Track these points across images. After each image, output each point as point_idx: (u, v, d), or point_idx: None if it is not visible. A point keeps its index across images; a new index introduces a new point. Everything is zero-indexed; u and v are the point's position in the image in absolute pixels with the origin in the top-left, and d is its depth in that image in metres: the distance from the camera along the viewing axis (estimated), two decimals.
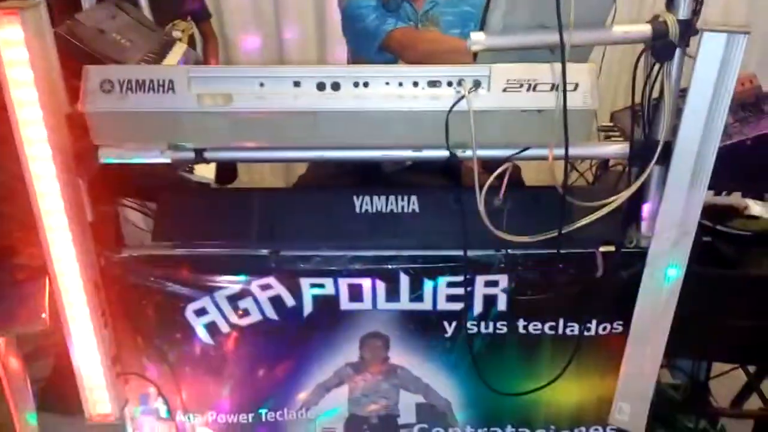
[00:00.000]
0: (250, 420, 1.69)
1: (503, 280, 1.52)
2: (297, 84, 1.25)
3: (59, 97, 1.30)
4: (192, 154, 1.36)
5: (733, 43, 1.22)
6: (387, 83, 1.26)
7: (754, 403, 1.87)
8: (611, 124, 1.80)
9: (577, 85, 1.24)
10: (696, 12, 1.25)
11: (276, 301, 1.55)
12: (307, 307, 1.56)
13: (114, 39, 1.57)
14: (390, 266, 1.51)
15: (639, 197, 1.43)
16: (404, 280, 1.53)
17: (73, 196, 1.38)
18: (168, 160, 1.38)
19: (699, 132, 1.28)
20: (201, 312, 1.56)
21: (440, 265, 1.51)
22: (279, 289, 1.54)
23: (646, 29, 1.25)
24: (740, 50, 1.22)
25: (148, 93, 1.23)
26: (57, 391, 2.17)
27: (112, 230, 1.59)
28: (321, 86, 1.25)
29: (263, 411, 1.69)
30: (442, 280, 1.52)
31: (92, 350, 1.52)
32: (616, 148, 1.40)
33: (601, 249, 1.48)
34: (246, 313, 1.57)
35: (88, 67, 1.25)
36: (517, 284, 1.52)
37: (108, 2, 1.86)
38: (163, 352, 1.62)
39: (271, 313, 1.57)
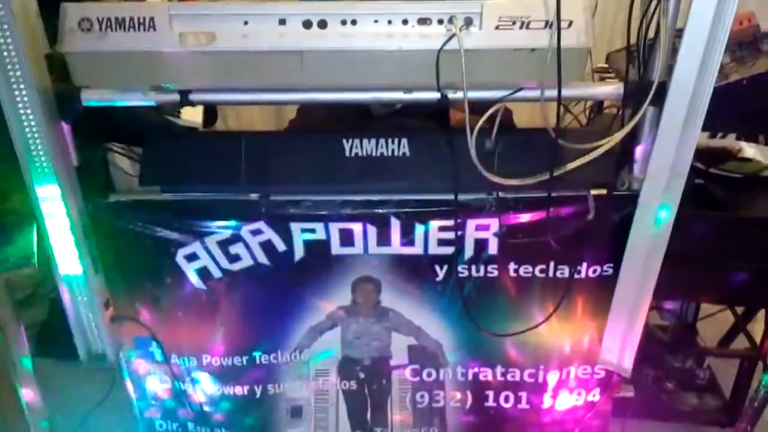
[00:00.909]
0: (245, 363, 1.72)
1: (494, 223, 1.51)
2: (282, 22, 1.21)
3: (38, 36, 1.26)
4: (177, 97, 1.33)
5: None
6: (376, 21, 1.23)
7: (741, 343, 1.90)
8: (606, 65, 1.76)
9: (571, 22, 1.20)
10: None
11: (267, 246, 1.55)
12: (299, 252, 1.56)
13: None
14: (381, 210, 1.51)
15: (632, 139, 1.42)
16: (395, 225, 1.52)
17: (57, 140, 1.36)
18: (152, 103, 1.35)
19: (694, 72, 1.26)
20: (192, 257, 1.56)
21: (431, 209, 1.50)
22: (270, 234, 1.53)
23: None
24: None
25: (128, 32, 1.19)
26: (53, 337, 2.21)
27: (100, 176, 1.58)
28: (307, 24, 1.21)
29: (257, 354, 1.71)
30: (434, 224, 1.52)
31: (84, 295, 1.52)
32: (610, 89, 1.38)
33: (593, 192, 1.47)
34: (237, 258, 1.56)
35: (65, 5, 1.21)
36: (508, 228, 1.51)
37: None
38: (155, 297, 1.63)
39: (263, 258, 1.56)
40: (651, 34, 1.31)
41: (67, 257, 1.46)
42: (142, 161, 1.51)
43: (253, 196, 1.49)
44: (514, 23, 1.21)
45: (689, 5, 1.23)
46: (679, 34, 1.28)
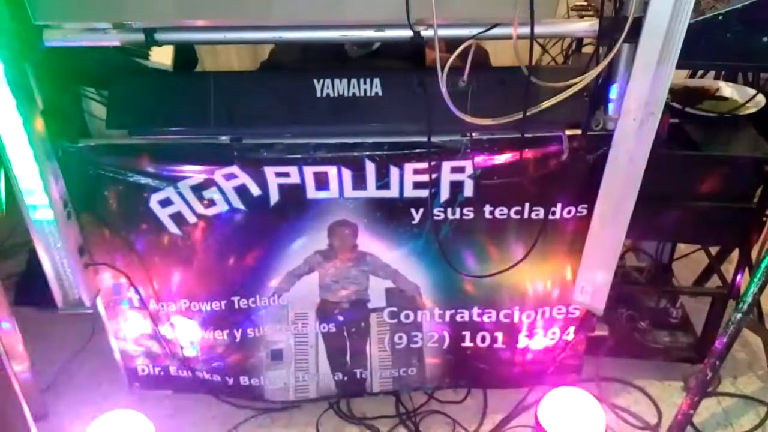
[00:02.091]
0: (223, 307, 1.73)
1: (469, 165, 1.50)
2: None
3: None
4: (141, 35, 1.29)
5: None
6: None
7: (715, 283, 1.94)
8: (585, 2, 1.73)
9: None
10: None
11: (242, 191, 1.54)
12: (274, 196, 1.55)
13: None
14: (355, 153, 1.49)
15: (608, 78, 1.41)
16: (370, 168, 1.51)
17: (19, 82, 1.32)
18: (116, 43, 1.31)
19: (669, 7, 1.23)
20: (166, 202, 1.55)
21: (406, 151, 1.49)
22: (243, 178, 1.52)
23: None
24: None
25: None
26: (31, 285, 2.21)
27: (72, 120, 1.54)
28: None
29: (235, 298, 1.72)
30: (408, 167, 1.51)
31: (57, 241, 1.51)
32: (585, 26, 1.35)
33: (567, 132, 1.46)
34: (212, 203, 1.55)
35: None
36: (483, 169, 1.51)
37: None
38: (130, 243, 1.62)
39: (237, 203, 1.56)
40: None
41: (37, 202, 1.44)
42: (108, 103, 1.48)
43: (224, 138, 1.47)
44: None
45: None
46: None
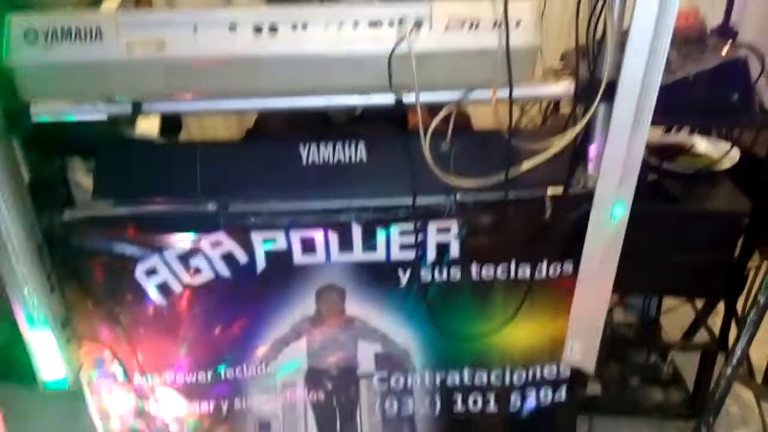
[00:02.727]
0: (209, 378, 1.69)
1: (454, 226, 1.52)
2: (233, 27, 1.21)
3: None
4: (128, 108, 1.31)
5: None
6: (326, 25, 1.23)
7: (703, 336, 1.94)
8: (561, 66, 1.79)
9: (519, 21, 1.22)
10: None
11: (228, 258, 1.53)
12: (260, 263, 1.54)
13: None
14: (341, 217, 1.50)
15: (585, 138, 1.44)
16: (356, 231, 1.52)
17: (7, 156, 1.33)
18: (104, 116, 1.33)
19: (641, 69, 1.28)
20: (151, 272, 1.53)
21: (391, 213, 1.50)
22: (230, 245, 1.51)
23: None
24: None
25: (74, 42, 1.17)
26: (12, 360, 2.14)
27: (57, 192, 1.54)
28: (258, 29, 1.21)
29: (222, 368, 1.69)
30: (395, 229, 1.52)
31: (40, 315, 1.48)
32: (561, 88, 1.40)
33: (550, 191, 1.49)
34: (198, 271, 1.54)
35: (10, 17, 1.18)
36: (468, 229, 1.52)
37: None
38: (115, 315, 1.59)
39: (224, 271, 1.55)
40: (600, 32, 1.34)
41: (21, 276, 1.42)
42: (95, 174, 1.48)
43: (211, 206, 1.47)
44: (463, 24, 1.22)
45: (634, 3, 1.26)
46: (626, 32, 1.31)
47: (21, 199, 1.37)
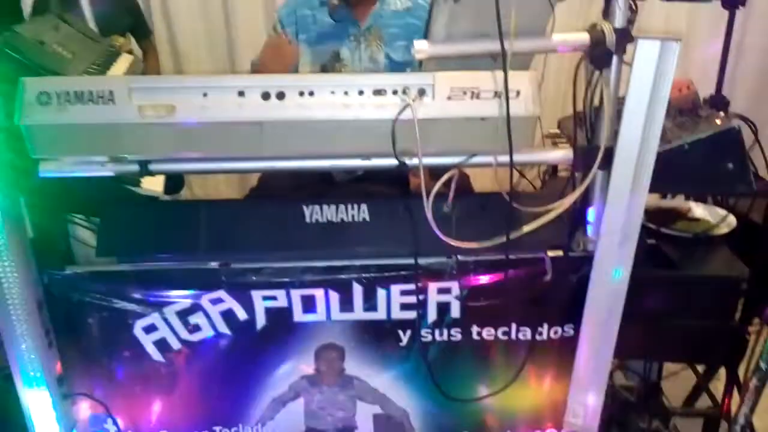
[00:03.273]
0: None
1: (455, 286, 1.52)
2: (241, 94, 1.24)
3: None
4: (136, 167, 1.34)
5: (667, 50, 1.26)
6: (332, 92, 1.26)
7: (705, 401, 1.92)
8: (558, 131, 1.83)
9: (519, 92, 1.26)
10: (631, 21, 1.29)
11: (228, 315, 1.53)
12: (260, 321, 1.54)
13: (55, 51, 1.53)
14: (342, 276, 1.51)
15: (584, 202, 1.47)
16: (357, 290, 1.52)
17: (12, 212, 1.35)
18: (110, 174, 1.35)
19: (638, 137, 1.32)
20: (150, 329, 1.53)
21: (392, 273, 1.51)
22: (230, 302, 1.51)
23: (583, 37, 1.29)
24: (674, 57, 1.27)
25: (87, 104, 1.20)
26: (5, 416, 2.10)
27: (59, 247, 1.56)
28: (266, 96, 1.24)
29: (217, 428, 1.66)
30: (395, 289, 1.52)
31: (37, 372, 1.47)
32: (560, 154, 1.43)
33: (550, 253, 1.50)
34: (197, 328, 1.54)
35: (24, 80, 1.22)
36: (469, 291, 1.53)
37: (50, 14, 1.82)
38: (111, 371, 1.58)
39: (223, 328, 1.54)
40: (597, 101, 1.38)
41: (20, 331, 1.42)
42: (99, 232, 1.50)
43: (213, 264, 1.48)
44: (465, 93, 1.26)
45: (629, 75, 1.30)
46: (622, 101, 1.35)
47: (24, 255, 1.37)
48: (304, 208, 1.49)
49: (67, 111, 1.20)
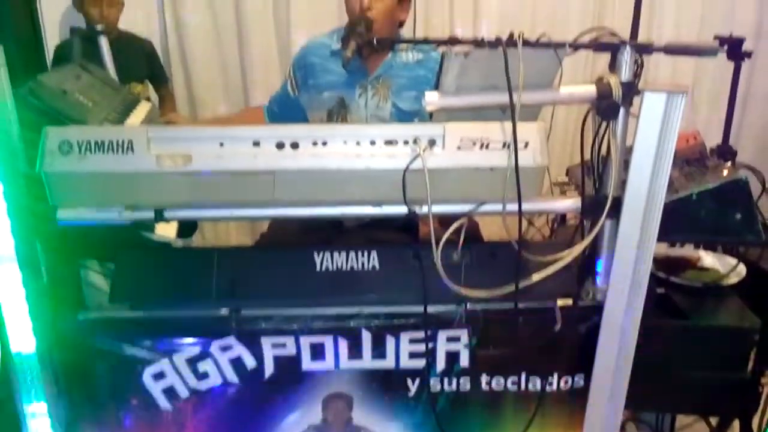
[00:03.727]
0: None
1: (464, 335, 1.52)
2: (256, 144, 1.27)
3: (17, 157, 1.31)
4: (151, 214, 1.36)
5: (673, 102, 1.28)
6: (345, 142, 1.29)
7: None
8: (567, 179, 1.86)
9: (527, 143, 1.28)
10: (637, 74, 1.32)
11: (236, 363, 1.52)
12: (269, 369, 1.54)
13: (76, 99, 1.58)
14: (351, 323, 1.51)
15: (593, 251, 1.47)
16: (366, 338, 1.52)
17: (28, 258, 1.37)
18: (127, 221, 1.37)
19: (645, 187, 1.33)
20: (159, 376, 1.53)
21: (401, 321, 1.51)
22: (240, 349, 1.51)
23: (591, 90, 1.32)
24: (680, 109, 1.29)
25: (107, 154, 1.23)
26: None
27: (70, 292, 1.57)
28: (280, 145, 1.28)
29: None
30: (404, 337, 1.52)
31: (44, 418, 1.46)
32: (569, 203, 1.45)
33: (559, 302, 1.50)
34: (205, 376, 1.53)
35: (47, 129, 1.26)
36: (478, 339, 1.52)
37: (73, 63, 1.89)
38: (119, 419, 1.57)
39: (232, 376, 1.54)
40: (604, 150, 1.40)
41: (29, 378, 1.42)
42: (113, 279, 1.51)
43: (224, 311, 1.49)
44: (474, 144, 1.29)
45: (636, 126, 1.33)
46: (630, 150, 1.37)
47: (38, 302, 1.39)
48: (315, 255, 1.50)
49: (87, 160, 1.24)
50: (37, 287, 1.40)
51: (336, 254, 1.50)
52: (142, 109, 1.93)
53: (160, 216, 1.36)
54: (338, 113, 2.11)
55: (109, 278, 1.61)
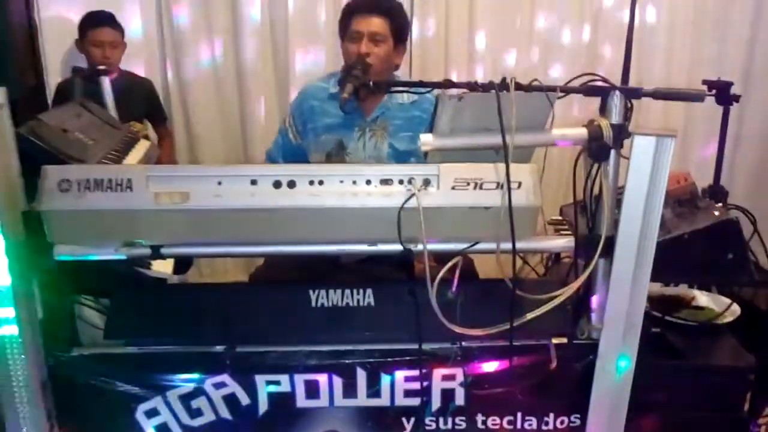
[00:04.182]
0: None
1: (460, 373, 1.52)
2: (254, 182, 1.29)
3: (16, 194, 1.32)
4: (148, 251, 1.37)
5: (663, 145, 1.31)
6: (341, 181, 1.32)
7: None
8: (560, 217, 1.87)
9: (520, 183, 1.30)
10: (627, 117, 1.36)
11: (230, 400, 1.51)
12: (263, 406, 1.53)
13: (76, 138, 1.60)
14: (346, 361, 1.51)
15: (587, 289, 1.48)
16: (361, 375, 1.51)
17: (25, 293, 1.37)
18: (123, 257, 1.38)
19: (637, 227, 1.35)
20: (152, 413, 1.51)
21: (397, 358, 1.51)
22: (233, 386, 1.51)
23: (582, 132, 1.35)
24: (670, 152, 1.32)
25: (105, 192, 1.25)
26: None
27: (65, 328, 1.57)
28: (277, 184, 1.30)
29: None
30: (399, 374, 1.51)
31: None
32: (562, 243, 1.46)
33: (554, 341, 1.50)
34: (198, 413, 1.52)
35: (46, 167, 1.28)
36: (474, 377, 1.52)
37: (74, 102, 1.92)
38: None
39: (225, 413, 1.52)
40: (597, 189, 1.42)
41: (23, 413, 1.41)
42: (108, 315, 1.51)
43: (218, 348, 1.49)
44: (468, 184, 1.31)
45: (628, 167, 1.35)
46: (622, 189, 1.39)
47: (33, 337, 1.39)
48: (310, 292, 1.51)
49: (86, 198, 1.25)
50: (33, 325, 1.40)
51: (331, 291, 1.51)
52: (141, 147, 1.96)
53: (156, 253, 1.37)
54: (337, 155, 2.14)
55: (103, 314, 1.61)
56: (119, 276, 1.64)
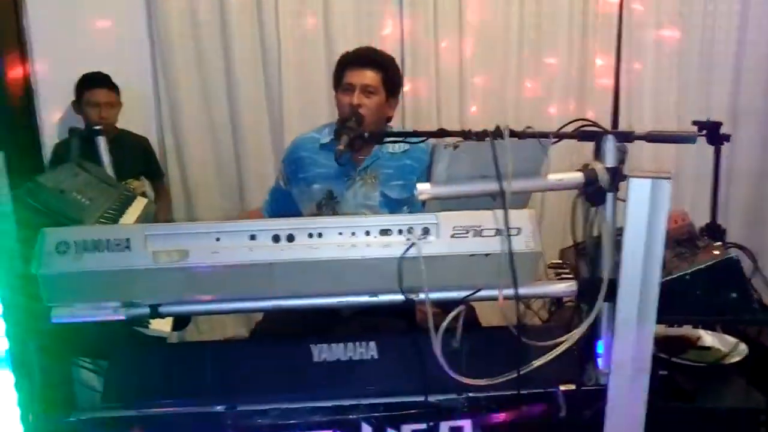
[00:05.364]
0: None
1: (468, 425, 1.48)
2: (253, 237, 1.29)
3: (14, 258, 1.31)
4: (147, 310, 1.35)
5: (659, 187, 1.32)
6: (340, 233, 1.31)
7: None
8: (560, 261, 1.87)
9: (519, 229, 1.30)
10: (621, 160, 1.37)
11: None
12: None
13: (74, 198, 1.60)
14: (351, 416, 1.47)
15: (593, 332, 1.47)
16: (366, 431, 1.48)
17: (22, 358, 1.34)
18: (122, 317, 1.36)
19: (639, 270, 1.35)
20: None
21: (402, 411, 1.47)
22: None
23: (577, 177, 1.36)
24: (666, 193, 1.32)
25: (103, 252, 1.24)
26: None
27: (63, 391, 1.53)
28: (276, 238, 1.29)
29: None
30: (406, 429, 1.48)
31: None
32: (564, 287, 1.45)
33: (562, 388, 1.48)
34: None
35: (44, 230, 1.27)
36: (482, 429, 1.49)
37: (71, 162, 1.93)
38: None
39: None
40: (596, 232, 1.42)
41: None
42: (106, 379, 1.49)
43: (219, 407, 1.45)
44: (467, 232, 1.31)
45: (625, 209, 1.35)
46: (621, 231, 1.39)
47: (32, 403, 1.35)
48: (312, 347, 1.49)
49: (83, 259, 1.24)
50: (31, 389, 1.37)
51: (334, 345, 1.49)
52: (138, 205, 1.96)
53: (155, 312, 1.35)
54: (327, 205, 2.16)
55: (101, 375, 1.58)
56: (117, 336, 1.62)
